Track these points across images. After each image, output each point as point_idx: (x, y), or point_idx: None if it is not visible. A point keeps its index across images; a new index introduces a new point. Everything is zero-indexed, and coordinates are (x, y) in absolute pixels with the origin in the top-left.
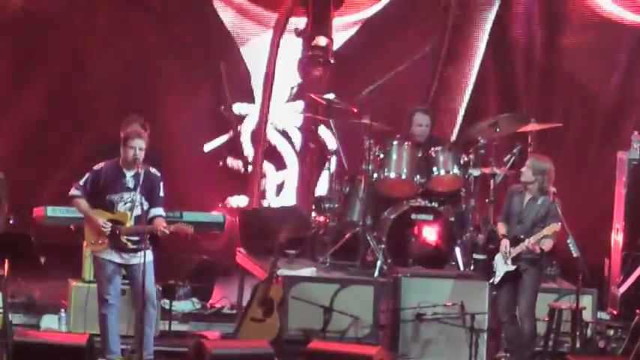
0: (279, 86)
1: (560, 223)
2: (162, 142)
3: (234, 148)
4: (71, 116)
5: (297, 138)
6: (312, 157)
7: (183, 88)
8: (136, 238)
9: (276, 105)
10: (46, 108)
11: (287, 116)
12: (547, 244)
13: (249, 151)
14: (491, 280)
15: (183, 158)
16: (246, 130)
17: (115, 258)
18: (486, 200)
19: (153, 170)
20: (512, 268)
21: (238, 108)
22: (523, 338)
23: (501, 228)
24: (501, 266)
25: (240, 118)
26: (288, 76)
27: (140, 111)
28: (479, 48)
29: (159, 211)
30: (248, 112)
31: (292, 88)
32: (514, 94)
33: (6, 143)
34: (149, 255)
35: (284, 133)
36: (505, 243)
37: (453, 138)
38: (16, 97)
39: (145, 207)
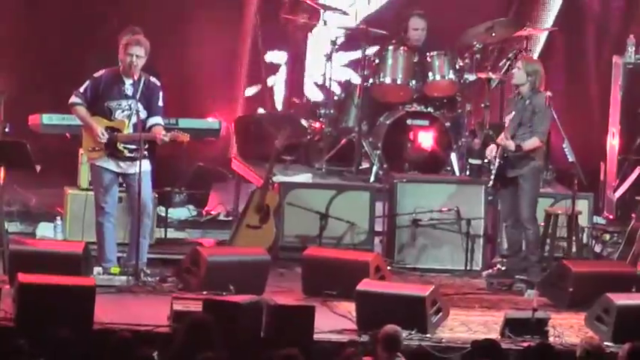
0: (320, 37)
1: (539, 140)
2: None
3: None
4: (74, 30)
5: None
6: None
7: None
8: (133, 147)
9: (315, 57)
10: (47, 23)
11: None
12: (529, 143)
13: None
14: (489, 185)
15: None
16: (280, 80)
17: (112, 166)
18: (482, 105)
19: (153, 79)
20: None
21: (271, 57)
22: (527, 243)
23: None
24: (494, 167)
25: (274, 68)
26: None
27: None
28: None
29: (157, 119)
30: (282, 61)
31: (333, 41)
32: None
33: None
34: (146, 164)
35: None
36: (491, 147)
37: None
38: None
39: (143, 116)
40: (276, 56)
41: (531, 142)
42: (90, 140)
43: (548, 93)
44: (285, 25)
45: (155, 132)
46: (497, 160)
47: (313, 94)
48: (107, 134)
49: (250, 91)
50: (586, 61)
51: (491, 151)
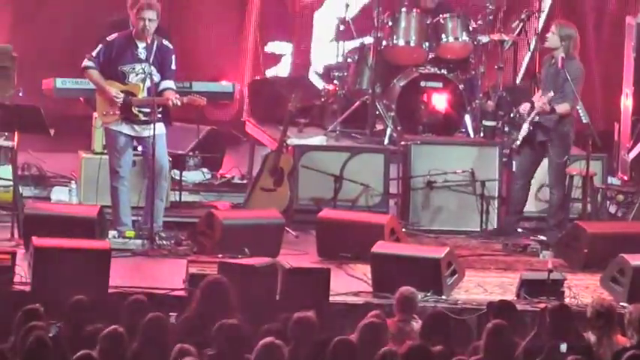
0: (323, 23)
1: (570, 106)
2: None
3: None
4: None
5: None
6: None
7: None
8: (147, 110)
9: (318, 45)
10: None
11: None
12: (562, 108)
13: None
14: (514, 145)
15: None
16: (283, 72)
17: (127, 130)
18: (495, 67)
19: (165, 42)
20: (527, 131)
21: (273, 47)
22: (550, 206)
23: (536, 97)
24: (522, 130)
25: (276, 59)
26: (334, 12)
27: None
28: None
29: (169, 83)
30: (285, 52)
31: (338, 25)
32: None
33: (15, 15)
34: (161, 128)
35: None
36: (525, 104)
37: None
38: None
39: (157, 79)
40: (279, 47)
41: (563, 107)
42: (104, 104)
43: (562, 54)
44: (292, 8)
45: (166, 95)
46: (528, 125)
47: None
48: (122, 96)
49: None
50: (599, 20)
51: (525, 108)
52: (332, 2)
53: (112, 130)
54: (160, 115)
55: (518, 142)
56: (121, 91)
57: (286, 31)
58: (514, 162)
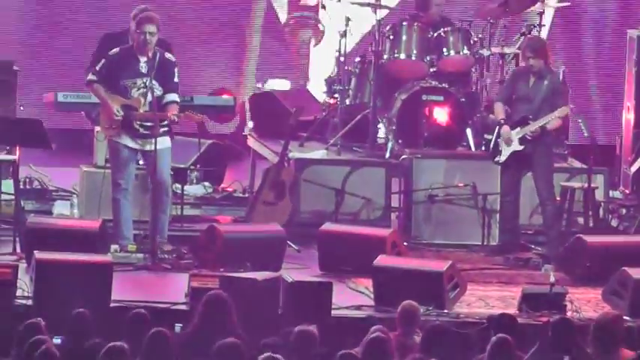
0: (322, 58)
1: (570, 105)
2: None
3: None
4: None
5: None
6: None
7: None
8: (149, 124)
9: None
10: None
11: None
12: (554, 123)
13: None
14: (496, 159)
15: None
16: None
17: (130, 143)
18: (497, 80)
19: (168, 55)
20: (520, 147)
21: (271, 84)
22: (545, 218)
23: (500, 111)
24: (506, 146)
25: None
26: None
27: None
28: None
29: (173, 96)
30: (284, 87)
31: (348, 17)
32: None
33: (17, 29)
34: (167, 141)
35: None
36: (505, 129)
37: None
38: None
39: (159, 92)
40: (279, 84)
41: (557, 123)
42: (107, 118)
43: (564, 68)
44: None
45: (170, 110)
46: (517, 143)
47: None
48: (123, 112)
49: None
50: (601, 34)
51: (507, 132)
52: (331, 37)
53: (115, 143)
54: (165, 129)
55: (503, 158)
56: (123, 106)
57: (284, 69)
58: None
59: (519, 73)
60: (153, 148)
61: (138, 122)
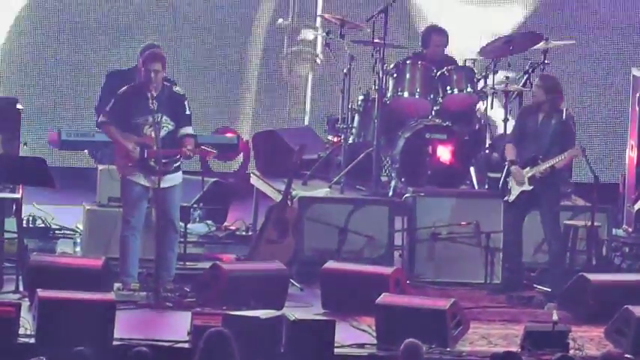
0: (324, 94)
1: (580, 146)
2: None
3: None
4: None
5: None
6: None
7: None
8: (164, 160)
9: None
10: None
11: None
12: (560, 162)
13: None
14: (505, 198)
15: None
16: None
17: (143, 181)
18: (501, 118)
19: (176, 89)
20: (529, 187)
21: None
22: (551, 256)
23: (510, 152)
24: (516, 185)
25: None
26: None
27: None
28: None
29: (188, 130)
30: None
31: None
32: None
33: (20, 68)
34: (178, 178)
35: None
36: (518, 169)
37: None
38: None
39: (172, 127)
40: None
41: (563, 162)
42: (122, 157)
43: (566, 107)
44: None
45: (185, 144)
46: (527, 182)
47: None
48: (138, 150)
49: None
50: (604, 71)
51: (518, 172)
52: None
53: (127, 180)
54: (177, 164)
55: (513, 197)
56: (136, 144)
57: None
58: (502, 217)
59: (527, 111)
60: (165, 185)
61: (153, 159)
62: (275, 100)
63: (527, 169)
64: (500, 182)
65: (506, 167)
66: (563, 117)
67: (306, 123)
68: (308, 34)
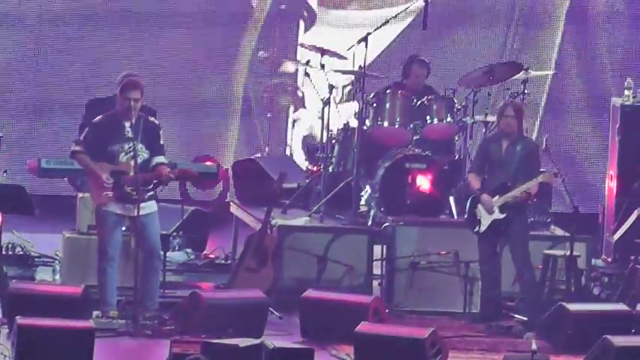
0: (303, 124)
1: (552, 171)
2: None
3: None
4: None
5: None
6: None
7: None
8: (141, 187)
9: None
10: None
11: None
12: (533, 188)
13: (300, 159)
14: (475, 230)
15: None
16: (298, 136)
17: (117, 209)
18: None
19: (151, 119)
20: (501, 216)
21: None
22: (523, 285)
23: (475, 181)
24: (487, 215)
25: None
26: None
27: None
28: None
29: (161, 158)
30: (299, 117)
31: (345, 87)
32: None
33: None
34: (154, 205)
35: None
36: (487, 198)
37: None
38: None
39: (147, 156)
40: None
41: (535, 188)
42: (96, 186)
43: (547, 135)
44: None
45: (159, 171)
46: (497, 211)
47: None
48: (113, 179)
49: None
50: (585, 102)
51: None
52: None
53: (102, 210)
54: (152, 193)
55: (484, 228)
56: (112, 172)
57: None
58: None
59: (490, 140)
60: (142, 212)
61: (130, 187)
62: (256, 129)
63: (497, 197)
64: (466, 214)
65: (470, 199)
66: (533, 142)
67: (287, 153)
68: (289, 66)
